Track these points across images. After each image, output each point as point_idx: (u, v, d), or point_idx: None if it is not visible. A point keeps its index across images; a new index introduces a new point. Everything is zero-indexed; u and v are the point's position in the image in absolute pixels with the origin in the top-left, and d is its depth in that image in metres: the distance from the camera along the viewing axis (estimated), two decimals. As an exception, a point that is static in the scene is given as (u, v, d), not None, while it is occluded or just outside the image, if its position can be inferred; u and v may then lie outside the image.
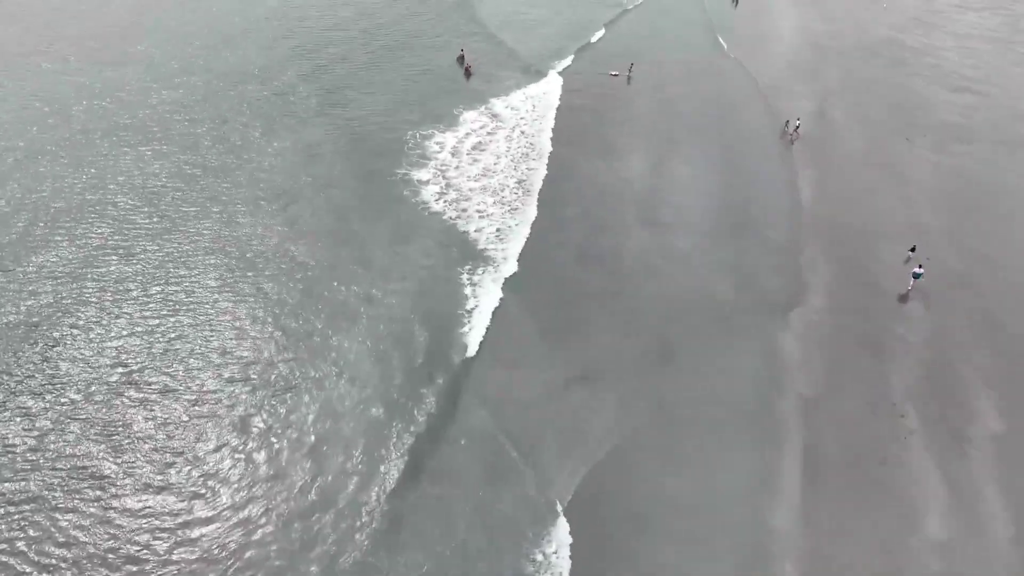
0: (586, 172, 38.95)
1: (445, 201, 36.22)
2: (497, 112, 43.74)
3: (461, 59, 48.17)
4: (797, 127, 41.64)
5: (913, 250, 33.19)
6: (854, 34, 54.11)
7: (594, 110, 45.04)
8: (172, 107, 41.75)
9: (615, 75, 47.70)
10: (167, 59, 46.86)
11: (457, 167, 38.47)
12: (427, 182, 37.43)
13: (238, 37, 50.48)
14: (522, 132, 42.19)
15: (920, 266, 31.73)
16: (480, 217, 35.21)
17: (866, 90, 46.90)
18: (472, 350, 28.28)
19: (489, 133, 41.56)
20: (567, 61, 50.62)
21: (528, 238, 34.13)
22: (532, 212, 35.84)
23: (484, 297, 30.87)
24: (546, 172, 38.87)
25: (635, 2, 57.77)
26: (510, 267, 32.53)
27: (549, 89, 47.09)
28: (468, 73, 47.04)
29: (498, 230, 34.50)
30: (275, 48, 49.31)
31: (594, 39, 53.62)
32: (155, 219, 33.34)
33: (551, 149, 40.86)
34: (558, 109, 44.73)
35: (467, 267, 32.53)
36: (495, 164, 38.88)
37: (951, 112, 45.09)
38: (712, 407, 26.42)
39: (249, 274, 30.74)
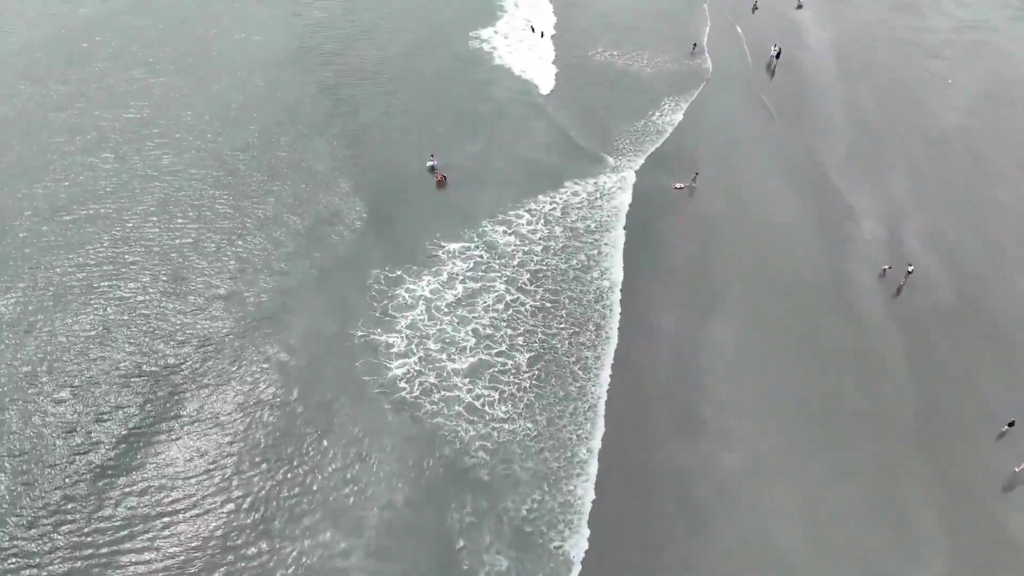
0: (630, 345, 29.62)
1: (422, 387, 27.43)
2: (492, 242, 33.96)
3: (432, 168, 38.37)
4: (909, 272, 33.56)
5: (1012, 425, 27.68)
6: (917, 119, 47.04)
7: (639, 240, 34.89)
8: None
9: (680, 187, 38.59)
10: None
11: (437, 331, 29.50)
12: (396, 353, 28.64)
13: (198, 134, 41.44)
14: (531, 275, 32.41)
15: None
16: (471, 421, 26.44)
17: (945, 204, 39.36)
18: None
19: (481, 275, 32.12)
20: (598, 164, 40.34)
21: (541, 456, 25.46)
22: (550, 413, 26.78)
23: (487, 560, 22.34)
24: (568, 344, 29.39)
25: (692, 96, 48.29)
26: (518, 509, 23.89)
27: (570, 204, 36.74)
28: (440, 184, 37.51)
29: (501, 444, 25.70)
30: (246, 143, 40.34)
31: (626, 130, 43.85)
32: None
33: (574, 304, 31.23)
34: (583, 236, 34.81)
35: (453, 504, 23.91)
36: (492, 330, 29.68)
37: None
38: None
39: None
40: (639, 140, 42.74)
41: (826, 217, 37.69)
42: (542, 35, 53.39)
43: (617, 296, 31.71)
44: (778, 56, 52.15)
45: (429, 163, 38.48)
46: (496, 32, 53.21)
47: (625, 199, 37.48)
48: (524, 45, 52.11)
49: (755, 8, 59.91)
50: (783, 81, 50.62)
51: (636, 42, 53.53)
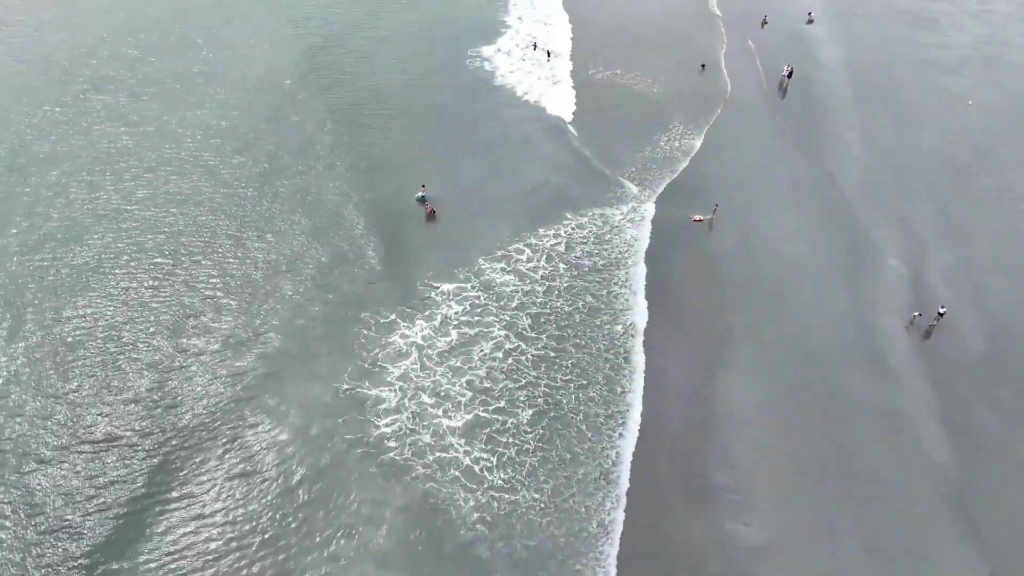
0: (644, 401, 26.97)
1: (414, 449, 25.00)
2: (489, 281, 31.32)
3: (422, 199, 35.85)
4: (941, 313, 31.15)
5: None
6: (939, 147, 44.57)
7: (655, 279, 32.03)
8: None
9: (699, 220, 35.87)
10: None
11: (431, 382, 27.09)
12: (386, 408, 26.21)
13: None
14: (532, 319, 29.60)
15: None
16: (468, 488, 23.86)
17: (972, 242, 36.64)
18: None
19: (478, 319, 29.53)
20: (606, 193, 37.37)
21: (547, 532, 22.78)
22: (556, 480, 24.08)
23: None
24: (575, 399, 26.64)
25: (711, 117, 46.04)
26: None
27: (574, 238, 33.82)
28: (430, 217, 34.86)
29: (501, 517, 23.14)
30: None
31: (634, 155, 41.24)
32: None
33: (582, 352, 28.39)
34: (589, 274, 32.03)
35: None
36: (490, 383, 27.05)
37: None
38: None
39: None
40: (651, 168, 40.12)
41: (849, 254, 35.12)
42: (548, 54, 51.09)
43: (637, 342, 28.97)
44: (790, 75, 49.97)
45: (419, 194, 36.03)
46: (498, 50, 50.85)
47: (637, 233, 34.77)
48: (527, 64, 49.83)
49: (764, 23, 57.79)
50: (798, 103, 48.30)
51: (646, 61, 51.12)
